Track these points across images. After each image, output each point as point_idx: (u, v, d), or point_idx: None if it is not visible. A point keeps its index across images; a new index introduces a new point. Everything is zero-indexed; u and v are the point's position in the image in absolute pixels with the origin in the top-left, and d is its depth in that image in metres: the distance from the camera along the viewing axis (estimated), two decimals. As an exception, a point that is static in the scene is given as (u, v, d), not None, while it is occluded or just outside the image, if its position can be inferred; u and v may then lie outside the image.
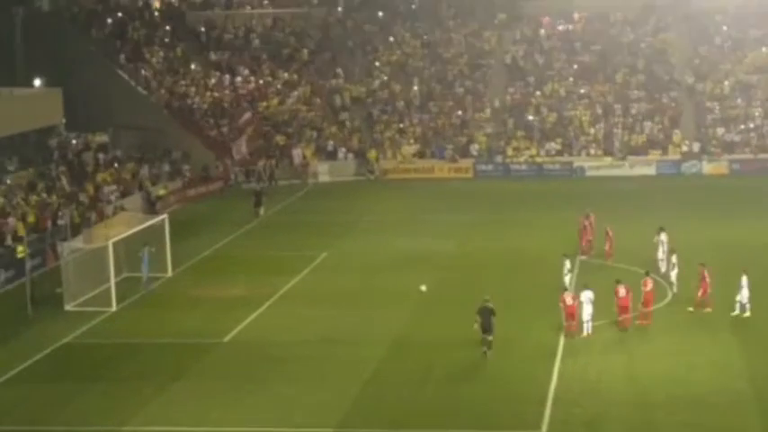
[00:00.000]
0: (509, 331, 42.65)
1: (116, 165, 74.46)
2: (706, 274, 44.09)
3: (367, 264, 54.77)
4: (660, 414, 34.34)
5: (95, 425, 34.94)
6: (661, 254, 49.54)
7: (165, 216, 55.68)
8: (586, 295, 41.85)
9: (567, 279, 46.88)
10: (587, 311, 41.62)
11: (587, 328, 41.65)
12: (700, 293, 44.09)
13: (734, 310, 43.72)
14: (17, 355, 42.39)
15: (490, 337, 39.63)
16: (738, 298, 43.74)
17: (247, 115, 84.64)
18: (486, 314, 39.81)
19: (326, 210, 70.57)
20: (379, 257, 55.89)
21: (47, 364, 41.60)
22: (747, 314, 43.65)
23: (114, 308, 48.19)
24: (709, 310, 43.79)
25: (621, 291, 42.69)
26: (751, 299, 43.65)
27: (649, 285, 43.12)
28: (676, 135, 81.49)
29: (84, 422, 35.21)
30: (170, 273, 53.55)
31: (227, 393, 37.36)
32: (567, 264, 47.49)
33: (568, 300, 42.36)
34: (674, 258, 47.12)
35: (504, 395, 36.41)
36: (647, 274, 44.22)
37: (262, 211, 68.62)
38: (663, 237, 50.22)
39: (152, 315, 47.64)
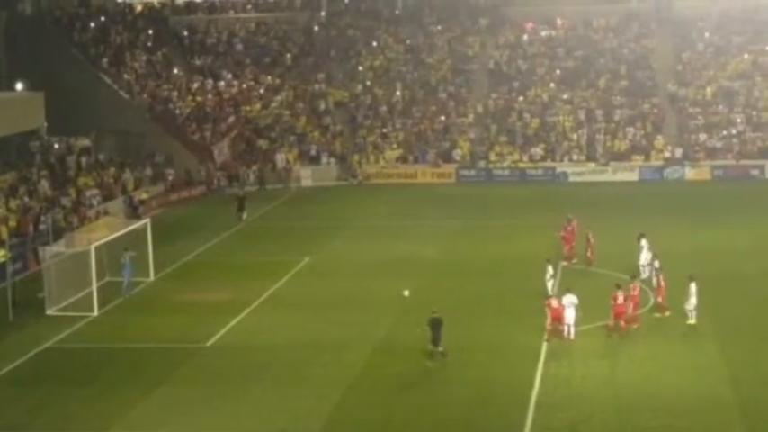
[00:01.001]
0: (492, 336, 42.89)
1: (98, 169, 74.37)
2: (662, 278, 44.87)
3: (349, 269, 54.85)
4: (642, 418, 34.45)
5: (77, 429, 34.92)
6: (643, 260, 49.69)
7: (147, 220, 55.68)
8: (569, 299, 41.96)
9: (549, 284, 47.05)
10: (570, 315, 41.72)
11: (570, 331, 41.72)
12: (659, 299, 44.80)
13: (689, 318, 43.72)
14: (-1, 358, 42.44)
15: (441, 349, 39.89)
16: (686, 305, 43.65)
17: (232, 119, 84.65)
18: (436, 325, 39.98)
19: (309, 215, 70.61)
20: (361, 262, 55.96)
21: (29, 368, 41.53)
22: (692, 321, 43.55)
23: (96, 312, 48.11)
24: (668, 313, 44.18)
25: (620, 297, 42.79)
26: (698, 306, 43.57)
27: (637, 290, 43.37)
28: (659, 141, 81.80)
29: (67, 427, 35.23)
30: (152, 277, 53.52)
31: (211, 398, 37.37)
32: (550, 269, 47.65)
33: (554, 303, 42.53)
34: (656, 264, 47.30)
35: (486, 399, 36.49)
36: (633, 278, 44.54)
37: (245, 215, 68.67)
38: (643, 242, 50.39)
39: (134, 320, 47.60)
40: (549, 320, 42.43)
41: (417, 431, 34.10)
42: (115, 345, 44.13)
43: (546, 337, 41.90)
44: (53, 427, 35.29)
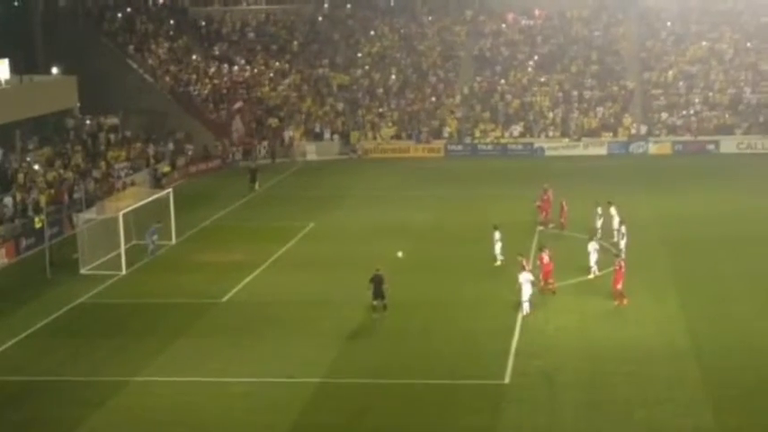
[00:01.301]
0: (476, 293, 42.89)
1: (126, 144, 74.17)
2: (622, 265, 41.04)
3: (350, 233, 54.79)
4: (610, 365, 34.51)
5: (108, 376, 34.93)
6: (616, 224, 49.32)
7: (169, 190, 55.54)
8: (525, 276, 39.87)
9: (497, 248, 46.71)
10: (526, 291, 39.68)
11: (525, 307, 39.62)
12: (619, 286, 40.75)
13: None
14: (38, 313, 42.37)
15: (384, 302, 40.05)
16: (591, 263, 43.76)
17: (239, 104, 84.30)
18: (378, 282, 40.05)
19: (314, 185, 70.45)
20: (361, 227, 55.90)
21: (64, 321, 41.57)
22: (592, 276, 43.74)
23: (124, 272, 48.11)
24: (626, 302, 40.55)
25: (545, 258, 42.33)
26: (598, 261, 43.82)
27: (622, 267, 40.80)
28: (626, 119, 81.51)
29: (98, 373, 35.23)
30: (174, 240, 53.47)
31: (225, 348, 37.41)
32: (497, 234, 47.18)
33: (545, 258, 42.28)
34: (623, 229, 47.20)
35: (471, 349, 36.52)
36: (616, 256, 42.83)
37: (257, 186, 68.54)
38: (612, 210, 50.28)
39: (158, 278, 47.59)
40: (541, 275, 42.01)
41: (410, 377, 34.11)
42: (141, 300, 44.13)
43: (539, 289, 41.35)
44: (87, 373, 35.31)
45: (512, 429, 29.81)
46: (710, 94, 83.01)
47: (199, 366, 35.57)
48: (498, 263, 46.66)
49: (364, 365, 35.33)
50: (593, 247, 44.40)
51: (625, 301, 40.50)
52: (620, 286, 40.68)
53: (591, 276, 43.97)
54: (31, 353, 37.79)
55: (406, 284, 42.67)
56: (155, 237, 50.83)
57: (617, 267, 40.82)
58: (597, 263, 44.12)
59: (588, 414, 30.68)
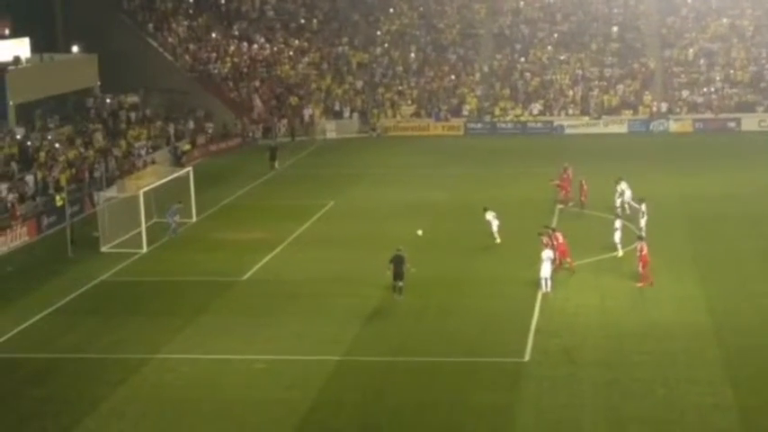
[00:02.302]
0: (496, 271, 42.84)
1: (146, 123, 74.31)
2: (643, 247, 40.44)
3: (370, 211, 54.81)
4: (629, 343, 34.48)
5: (130, 353, 35.12)
6: (628, 197, 49.38)
7: (189, 169, 55.67)
8: (547, 254, 40.11)
9: (494, 227, 46.73)
10: (546, 269, 39.71)
11: (547, 284, 39.66)
12: (642, 269, 40.30)
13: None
14: (60, 290, 42.59)
15: (401, 283, 39.72)
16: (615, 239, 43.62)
17: (258, 105, 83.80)
18: (399, 262, 39.75)
19: (333, 163, 70.47)
20: (380, 205, 55.92)
21: (86, 299, 41.76)
22: (619, 254, 43.60)
23: (145, 250, 48.27)
24: (650, 283, 40.02)
25: (560, 237, 42.24)
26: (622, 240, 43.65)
27: (644, 250, 40.25)
28: (646, 97, 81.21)
29: (120, 351, 35.41)
30: (194, 219, 53.60)
31: (246, 326, 37.53)
32: (488, 215, 47.12)
33: (560, 238, 42.15)
34: (643, 207, 47.00)
35: (491, 327, 36.53)
36: (640, 239, 41.72)
37: (276, 164, 68.59)
38: (623, 185, 50.15)
39: (178, 256, 47.74)
40: (557, 255, 41.63)
41: (429, 354, 34.17)
42: (162, 278, 44.29)
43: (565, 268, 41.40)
44: (108, 350, 35.49)
45: (531, 407, 29.84)
46: (731, 71, 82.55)
47: (219, 344, 35.69)
48: (498, 240, 46.61)
49: (384, 343, 35.36)
50: (619, 224, 44.20)
51: (649, 283, 39.89)
52: (642, 269, 40.10)
53: (618, 254, 43.72)
54: (53, 330, 37.99)
55: (425, 262, 42.63)
56: (176, 217, 50.95)
57: (639, 250, 40.24)
58: (621, 241, 43.89)
59: (608, 392, 30.67)
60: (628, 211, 48.73)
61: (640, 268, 40.22)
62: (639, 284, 40.03)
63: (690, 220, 49.99)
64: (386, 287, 40.47)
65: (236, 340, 35.98)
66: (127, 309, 40.30)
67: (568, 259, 42.29)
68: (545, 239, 41.01)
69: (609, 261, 43.59)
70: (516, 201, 55.01)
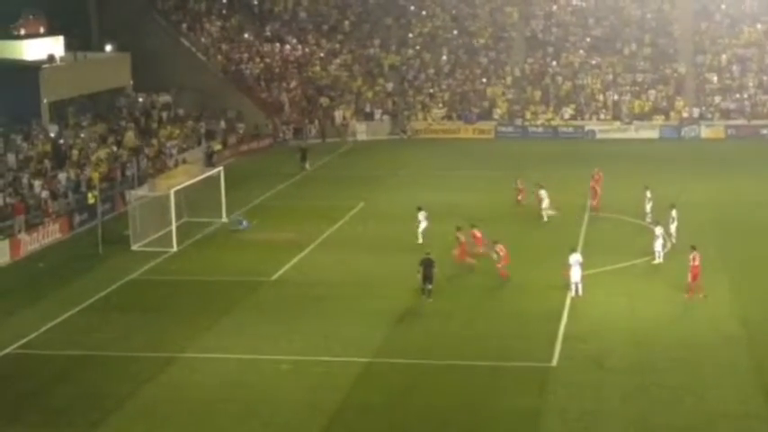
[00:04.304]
0: (525, 275, 42.53)
1: (178, 122, 74.48)
2: (697, 257, 39.26)
3: (399, 213, 54.50)
4: (658, 351, 34.13)
5: (157, 351, 35.08)
6: (648, 208, 49.19)
7: (220, 168, 55.72)
8: (575, 258, 39.73)
9: (421, 228, 47.50)
10: (576, 273, 39.40)
11: (578, 288, 39.45)
12: (693, 280, 39.25)
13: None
14: (90, 288, 42.67)
15: (430, 286, 39.50)
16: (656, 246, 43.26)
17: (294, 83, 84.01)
18: (428, 265, 39.54)
19: (364, 165, 70.39)
20: (410, 208, 55.38)
21: (116, 297, 41.82)
22: (658, 261, 43.31)
23: (175, 248, 48.34)
24: (701, 296, 39.03)
25: (477, 233, 43.99)
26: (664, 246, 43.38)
27: (697, 260, 39.17)
28: (678, 102, 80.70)
29: (148, 349, 35.39)
30: (224, 218, 53.61)
31: (274, 326, 37.46)
32: (420, 216, 47.86)
33: (477, 234, 43.90)
34: (673, 213, 46.55)
35: (519, 332, 36.29)
36: (693, 248, 40.02)
37: (307, 165, 68.58)
38: (648, 194, 49.79)
39: (208, 255, 47.77)
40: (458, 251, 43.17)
41: (457, 357, 33.95)
42: (191, 277, 44.31)
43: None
44: (136, 349, 35.46)
45: (558, 413, 29.58)
46: (765, 77, 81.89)
47: (247, 344, 35.63)
48: (420, 241, 46.81)
49: (411, 346, 35.20)
50: (660, 231, 43.75)
51: (699, 294, 38.91)
52: (693, 280, 39.05)
53: (656, 261, 43.30)
54: (82, 327, 38.05)
55: (454, 266, 42.40)
56: (243, 222, 51.81)
57: (692, 260, 39.09)
58: (662, 249, 43.36)
59: (636, 399, 30.35)
60: (648, 221, 48.02)
61: (690, 279, 39.20)
62: (687, 295, 39.11)
63: (721, 226, 49.54)
64: (414, 289, 40.29)
65: (263, 340, 35.90)
66: (155, 307, 40.33)
67: (468, 259, 43.09)
68: (461, 236, 42.41)
69: (641, 267, 43.21)
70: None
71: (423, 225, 47.70)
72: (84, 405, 30.91)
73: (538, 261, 44.50)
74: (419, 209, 48.29)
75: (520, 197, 54.79)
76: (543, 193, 51.40)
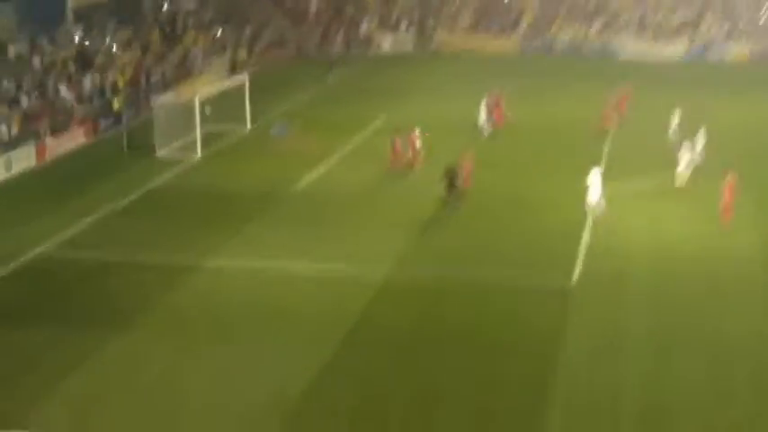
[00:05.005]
0: (546, 190, 42.31)
1: (203, 29, 73.86)
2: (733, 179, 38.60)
3: (422, 126, 54.01)
4: (680, 266, 34.02)
5: (180, 259, 35.09)
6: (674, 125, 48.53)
7: (245, 76, 55.28)
8: (596, 174, 38.82)
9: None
10: (597, 191, 38.61)
11: (601, 203, 38.70)
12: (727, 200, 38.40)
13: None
14: (114, 194, 42.70)
15: (456, 194, 39.85)
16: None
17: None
18: (451, 176, 39.90)
19: (387, 77, 69.78)
20: (432, 120, 55.09)
21: (140, 204, 41.85)
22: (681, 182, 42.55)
23: (199, 155, 48.21)
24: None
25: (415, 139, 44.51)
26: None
27: (733, 181, 38.43)
28: (706, 21, 79.46)
29: (171, 256, 35.41)
30: (249, 127, 53.36)
31: (297, 234, 37.44)
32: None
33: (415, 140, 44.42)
34: (701, 132, 45.88)
35: (541, 248, 36.12)
36: (729, 171, 39.03)
37: (331, 76, 68.05)
38: (676, 113, 49.10)
39: (231, 165, 47.63)
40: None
41: (480, 265, 33.88)
42: (214, 186, 44.21)
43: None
44: (159, 256, 35.50)
45: (579, 329, 29.49)
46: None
47: (271, 252, 35.63)
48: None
49: (436, 252, 35.29)
50: (686, 150, 43.10)
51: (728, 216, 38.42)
52: (727, 201, 38.48)
53: (679, 183, 42.75)
54: (105, 233, 38.13)
55: (478, 178, 42.16)
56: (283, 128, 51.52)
57: (728, 181, 38.48)
58: (686, 169, 42.83)
59: (657, 316, 30.27)
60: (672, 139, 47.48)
61: (726, 199, 38.35)
62: (723, 216, 38.38)
63: (746, 147, 48.95)
64: (437, 200, 40.19)
65: (284, 250, 35.84)
66: (179, 215, 40.30)
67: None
68: (397, 141, 43.67)
69: (667, 186, 42.68)
70: (569, 120, 54.24)
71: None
72: (108, 309, 31.06)
73: (559, 175, 44.13)
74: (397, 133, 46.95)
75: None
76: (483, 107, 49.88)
